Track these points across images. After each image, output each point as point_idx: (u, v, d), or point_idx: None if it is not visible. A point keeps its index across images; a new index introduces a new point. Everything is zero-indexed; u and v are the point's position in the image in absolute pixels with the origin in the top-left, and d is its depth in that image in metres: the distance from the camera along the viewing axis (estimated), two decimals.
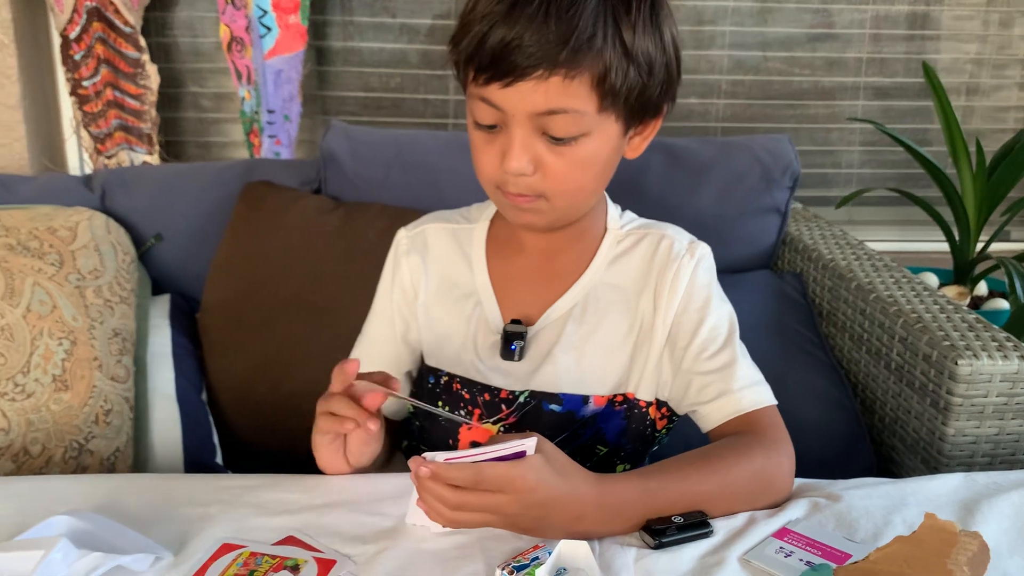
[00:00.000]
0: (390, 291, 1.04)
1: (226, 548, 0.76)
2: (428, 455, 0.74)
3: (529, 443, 0.74)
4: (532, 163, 0.84)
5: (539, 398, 0.95)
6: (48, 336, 1.17)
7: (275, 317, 1.40)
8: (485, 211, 1.04)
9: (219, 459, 1.29)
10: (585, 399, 0.96)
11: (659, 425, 0.99)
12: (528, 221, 0.91)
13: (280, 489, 0.86)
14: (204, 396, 1.35)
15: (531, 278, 0.99)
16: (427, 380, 1.01)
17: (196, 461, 1.24)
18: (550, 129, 0.83)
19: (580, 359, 0.96)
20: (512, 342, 0.95)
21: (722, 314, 0.95)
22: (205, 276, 1.45)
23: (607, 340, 0.96)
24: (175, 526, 0.80)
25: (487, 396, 0.97)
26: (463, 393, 0.98)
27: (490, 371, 0.97)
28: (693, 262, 0.96)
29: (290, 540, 0.77)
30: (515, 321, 0.97)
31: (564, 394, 0.95)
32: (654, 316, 0.96)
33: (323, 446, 0.88)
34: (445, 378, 0.99)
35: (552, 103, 0.81)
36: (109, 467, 1.15)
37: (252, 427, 1.36)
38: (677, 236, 0.98)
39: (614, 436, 0.98)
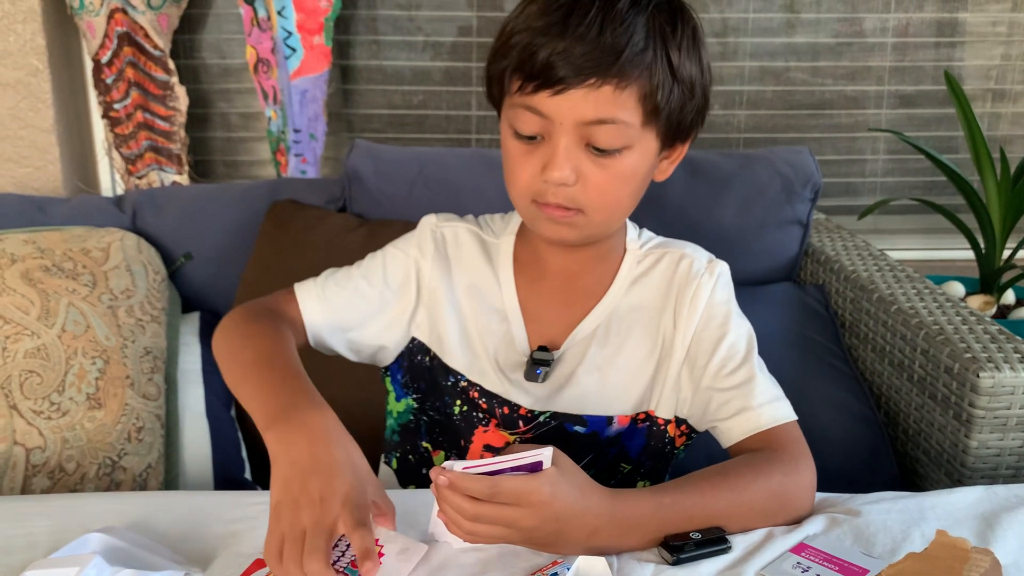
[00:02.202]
0: (410, 264, 1.01)
1: (259, 564, 0.78)
2: (447, 464, 0.75)
3: (546, 454, 0.75)
4: (574, 173, 0.85)
5: (562, 419, 0.96)
6: (82, 355, 1.20)
7: None
8: (508, 226, 1.03)
9: (248, 474, 1.31)
10: (609, 420, 0.97)
11: (678, 443, 1.00)
12: (561, 235, 0.91)
13: None
14: (233, 412, 1.38)
15: (555, 300, 0.99)
16: (444, 378, 1.00)
17: (226, 476, 1.27)
18: (595, 139, 0.84)
19: (603, 380, 0.97)
20: (538, 367, 0.96)
21: (740, 331, 0.96)
22: (234, 294, 1.48)
23: (630, 361, 0.97)
24: (205, 543, 0.82)
25: (506, 410, 0.97)
26: (480, 402, 0.99)
27: (512, 388, 0.98)
28: (712, 280, 0.96)
29: None
30: (542, 348, 0.97)
31: (588, 416, 0.96)
32: (674, 334, 0.96)
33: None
34: (464, 383, 0.99)
35: (601, 112, 0.83)
36: (141, 483, 1.18)
37: None
38: (696, 255, 0.99)
39: (636, 453, 0.99)
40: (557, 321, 0.99)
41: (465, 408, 1.00)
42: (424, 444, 1.04)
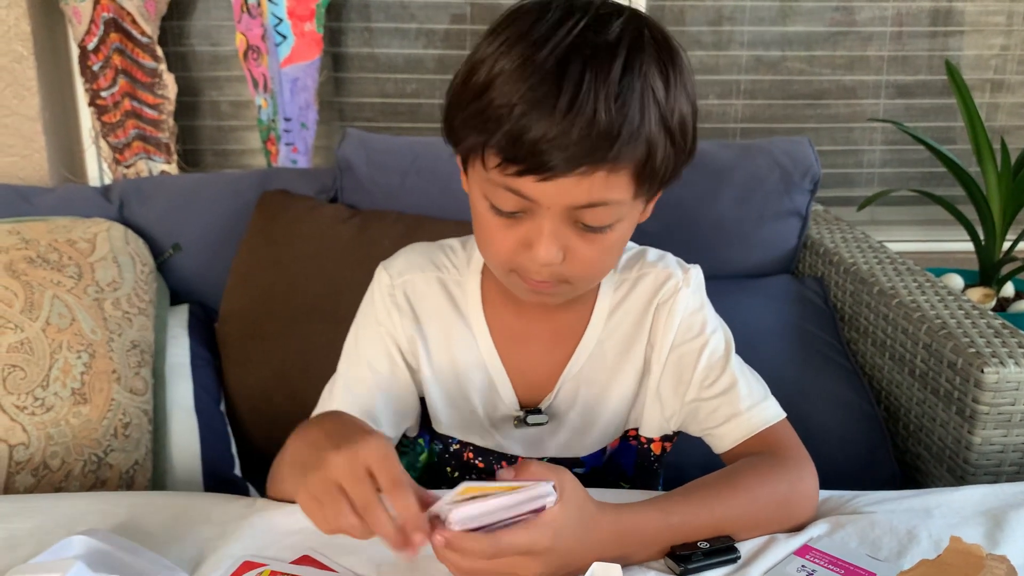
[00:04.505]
0: (385, 340, 0.93)
1: (247, 566, 0.76)
2: (447, 504, 0.67)
3: (549, 499, 0.69)
4: (562, 251, 0.78)
5: (560, 463, 0.94)
6: (67, 349, 1.17)
7: (293, 326, 1.40)
8: (472, 260, 0.95)
9: (237, 470, 1.29)
10: (603, 451, 0.95)
11: (667, 449, 0.98)
12: (543, 302, 0.86)
13: (295, 506, 0.85)
14: (222, 407, 1.35)
15: (535, 341, 0.93)
16: (434, 445, 0.97)
17: (215, 473, 1.25)
18: (585, 219, 0.77)
19: (594, 419, 0.94)
20: (530, 425, 0.93)
21: (718, 335, 0.92)
22: (223, 286, 1.45)
23: (618, 392, 0.94)
24: (191, 545, 0.79)
25: (504, 464, 0.94)
26: (476, 462, 0.95)
27: (504, 439, 0.94)
28: (689, 292, 0.92)
29: (305, 560, 0.77)
30: (534, 410, 0.93)
31: (584, 456, 0.94)
32: (651, 350, 0.93)
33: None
34: (456, 446, 0.95)
35: (593, 197, 0.75)
36: (128, 480, 1.16)
37: (271, 437, 1.34)
38: (672, 270, 0.93)
39: (631, 471, 0.98)
40: (540, 367, 0.94)
41: (456, 475, 0.96)
42: (448, 468, 0.99)
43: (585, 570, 0.71)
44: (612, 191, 0.76)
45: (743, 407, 0.88)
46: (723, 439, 0.90)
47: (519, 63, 0.73)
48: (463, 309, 0.94)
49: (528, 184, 0.74)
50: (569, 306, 0.92)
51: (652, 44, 0.76)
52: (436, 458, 0.98)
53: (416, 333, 0.93)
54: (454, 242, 0.98)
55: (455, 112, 0.79)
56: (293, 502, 0.85)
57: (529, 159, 0.73)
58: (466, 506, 0.66)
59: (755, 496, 0.81)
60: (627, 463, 0.98)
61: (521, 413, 0.93)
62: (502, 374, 0.93)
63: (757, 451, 0.87)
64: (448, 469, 0.97)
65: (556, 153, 0.72)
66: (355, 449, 0.65)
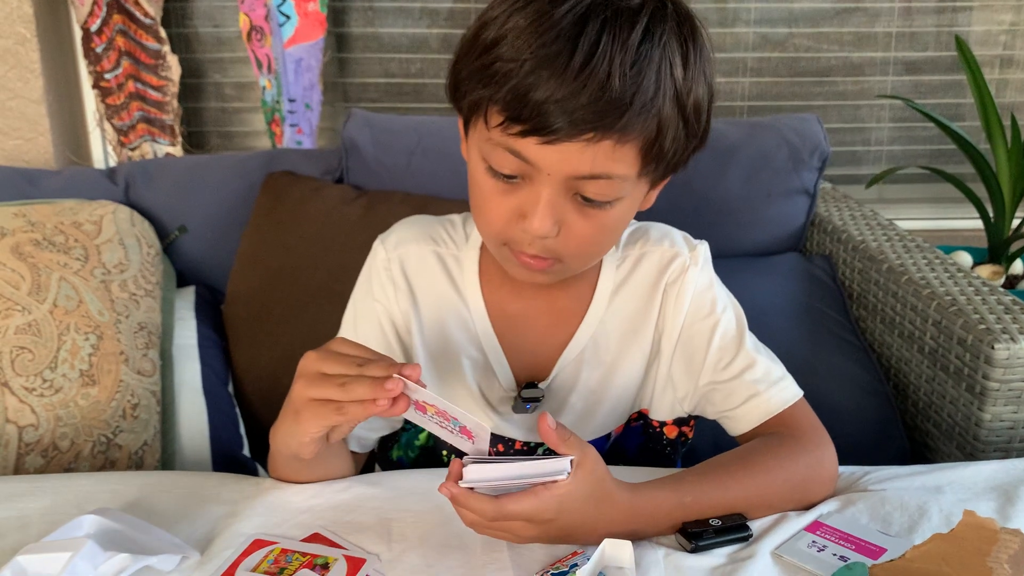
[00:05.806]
0: (381, 318, 0.92)
1: (257, 544, 0.76)
2: (467, 463, 0.69)
3: (562, 476, 0.69)
4: (557, 225, 0.76)
5: None
6: (75, 331, 1.17)
7: (300, 307, 1.39)
8: (471, 236, 0.93)
9: (246, 451, 1.29)
10: (607, 436, 0.93)
11: (686, 434, 0.97)
12: (534, 280, 0.83)
13: (304, 485, 0.86)
14: (230, 388, 1.35)
15: (534, 322, 0.91)
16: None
17: (223, 453, 1.25)
18: (585, 191, 0.75)
19: (598, 403, 0.91)
20: (527, 402, 0.90)
21: (729, 314, 0.90)
22: (229, 267, 1.45)
23: (624, 377, 0.92)
24: (201, 523, 0.80)
25: (500, 447, 0.92)
26: None
27: (501, 421, 0.91)
28: (697, 270, 0.90)
29: (316, 537, 0.77)
30: (530, 385, 0.90)
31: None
32: (661, 332, 0.91)
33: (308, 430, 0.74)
34: None
35: (597, 168, 0.73)
36: (137, 461, 1.16)
37: None
38: (679, 248, 0.91)
39: (633, 453, 0.96)
40: (539, 348, 0.91)
41: (453, 457, 0.93)
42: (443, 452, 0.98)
43: (591, 542, 0.72)
44: (617, 164, 0.74)
45: (761, 388, 0.87)
46: (740, 422, 0.88)
47: (533, 18, 0.71)
48: (459, 285, 0.92)
49: (530, 147, 0.72)
50: (570, 285, 0.89)
51: (675, 17, 0.74)
52: (432, 440, 0.96)
53: (411, 308, 0.91)
54: (455, 217, 0.96)
55: (461, 66, 0.77)
56: (293, 482, 0.85)
57: (533, 119, 0.70)
58: (484, 466, 0.69)
59: (771, 478, 0.80)
60: (630, 445, 0.96)
61: (518, 393, 0.91)
62: (498, 353, 0.91)
63: (775, 432, 0.86)
64: (444, 452, 0.95)
65: (562, 115, 0.69)
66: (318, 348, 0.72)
